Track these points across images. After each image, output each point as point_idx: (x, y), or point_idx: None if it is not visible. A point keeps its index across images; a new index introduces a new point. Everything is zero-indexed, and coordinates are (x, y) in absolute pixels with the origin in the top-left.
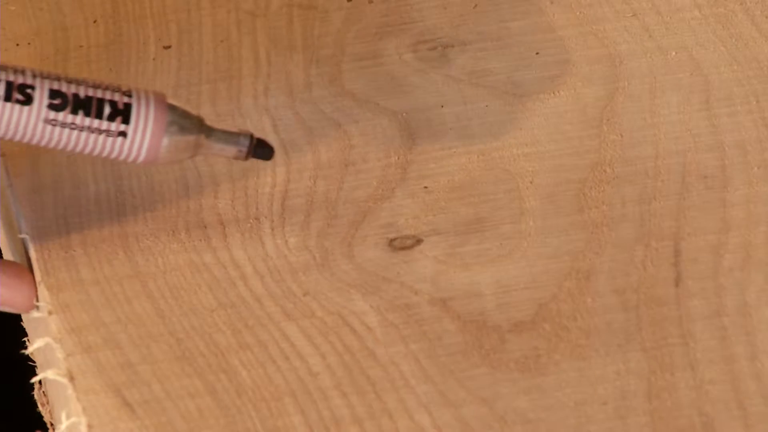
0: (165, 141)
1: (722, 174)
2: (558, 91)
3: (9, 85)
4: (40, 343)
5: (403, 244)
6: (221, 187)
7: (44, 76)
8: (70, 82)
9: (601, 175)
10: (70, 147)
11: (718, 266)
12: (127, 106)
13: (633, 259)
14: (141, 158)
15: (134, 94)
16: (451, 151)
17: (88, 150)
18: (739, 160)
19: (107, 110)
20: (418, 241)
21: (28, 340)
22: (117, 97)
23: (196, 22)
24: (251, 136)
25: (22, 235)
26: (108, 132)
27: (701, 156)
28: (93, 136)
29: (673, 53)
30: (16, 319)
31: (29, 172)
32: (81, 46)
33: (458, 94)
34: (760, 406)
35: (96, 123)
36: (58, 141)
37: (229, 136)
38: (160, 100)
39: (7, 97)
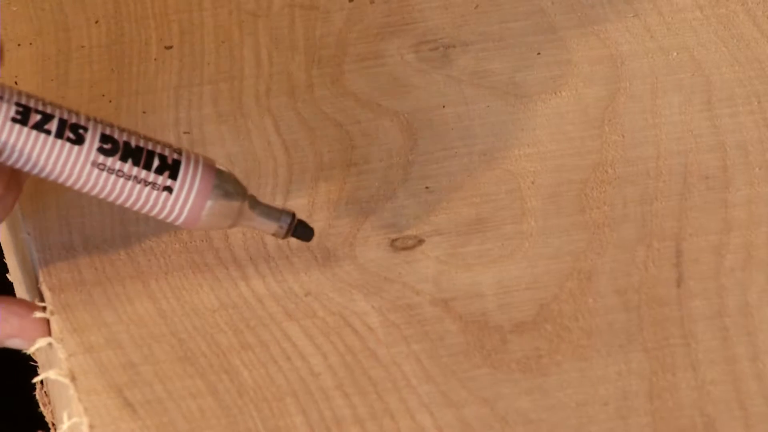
0: (209, 203)
1: (724, 174)
2: (559, 92)
3: (62, 123)
4: (42, 343)
5: (404, 245)
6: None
7: (97, 121)
8: (122, 130)
9: (602, 176)
10: (113, 195)
11: (719, 267)
12: (176, 162)
13: (634, 260)
14: (182, 217)
15: (184, 152)
16: (452, 151)
17: (130, 201)
18: (740, 161)
19: (156, 163)
20: (420, 242)
21: None
22: (167, 152)
23: (198, 23)
24: (293, 216)
25: (24, 235)
26: (154, 185)
27: (703, 156)
28: (138, 187)
29: (675, 54)
30: None
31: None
32: (83, 47)
33: (460, 95)
34: (762, 407)
35: (143, 174)
36: (103, 187)
37: (272, 212)
38: (210, 163)
39: (59, 135)
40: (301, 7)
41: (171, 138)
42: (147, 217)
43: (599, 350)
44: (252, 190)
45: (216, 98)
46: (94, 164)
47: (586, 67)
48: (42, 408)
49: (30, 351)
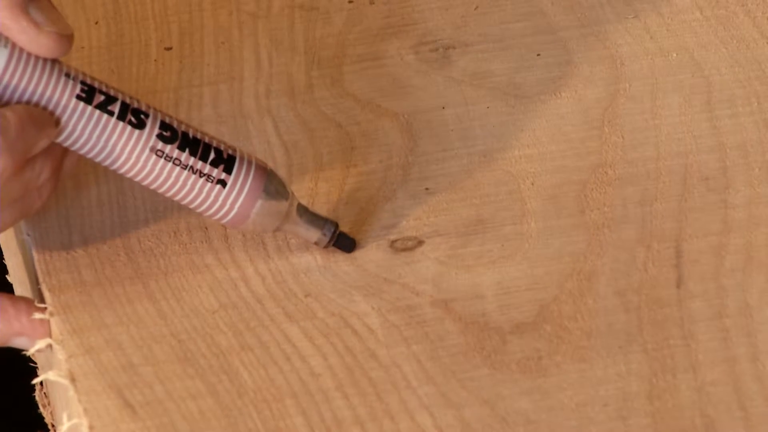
0: (260, 202)
1: (723, 175)
2: (559, 93)
3: (125, 106)
4: (42, 345)
5: (404, 246)
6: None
7: (157, 109)
8: (180, 122)
9: (602, 177)
10: (167, 184)
11: (719, 267)
12: (231, 158)
13: (634, 261)
14: (233, 213)
15: (239, 150)
16: (452, 152)
17: (183, 192)
18: (740, 162)
19: (212, 155)
20: (420, 243)
21: None
22: (222, 147)
23: (198, 24)
24: (337, 225)
25: (24, 236)
26: (209, 177)
27: (702, 157)
28: (193, 177)
29: (675, 55)
30: None
31: None
32: (83, 48)
33: (459, 96)
34: (762, 408)
35: (199, 164)
36: (159, 175)
37: (318, 220)
38: (262, 164)
39: (122, 117)
40: (301, 8)
41: None
42: (147, 219)
43: (599, 351)
44: None
45: (216, 99)
46: (153, 150)
47: (585, 68)
48: (42, 409)
49: (30, 352)
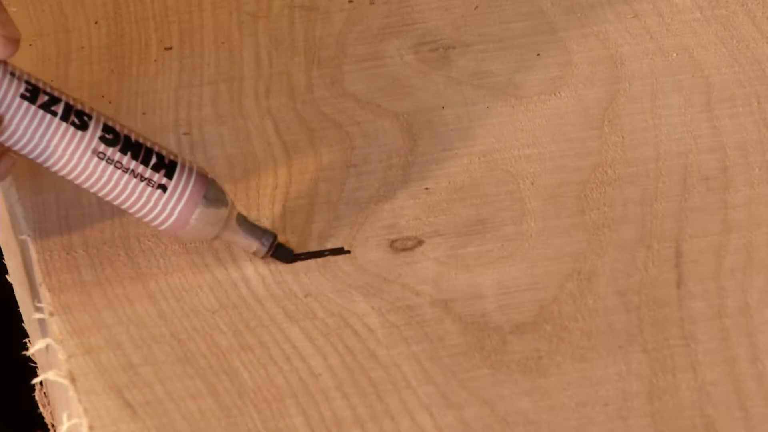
0: (199, 208)
1: (723, 175)
2: (559, 93)
3: (68, 107)
4: (42, 345)
5: (404, 246)
6: (223, 188)
7: (100, 113)
8: (123, 126)
9: (602, 177)
10: (108, 187)
11: (719, 268)
12: (173, 163)
13: (634, 261)
14: (172, 219)
15: (180, 156)
16: (452, 152)
17: (124, 196)
18: (740, 162)
19: (154, 160)
20: (420, 243)
21: (29, 341)
22: (164, 152)
23: (198, 24)
24: (275, 237)
25: (24, 236)
26: (150, 181)
27: (702, 157)
28: (134, 181)
29: (675, 55)
30: (18, 320)
31: (31, 173)
32: (83, 48)
33: (459, 96)
34: (762, 408)
35: (140, 168)
36: (99, 178)
37: (256, 230)
38: (203, 171)
39: (65, 118)
40: (300, 8)
41: (171, 139)
42: None
43: (599, 351)
44: (251, 191)
45: (216, 99)
46: (95, 152)
47: (585, 68)
48: (42, 409)
49: (30, 353)
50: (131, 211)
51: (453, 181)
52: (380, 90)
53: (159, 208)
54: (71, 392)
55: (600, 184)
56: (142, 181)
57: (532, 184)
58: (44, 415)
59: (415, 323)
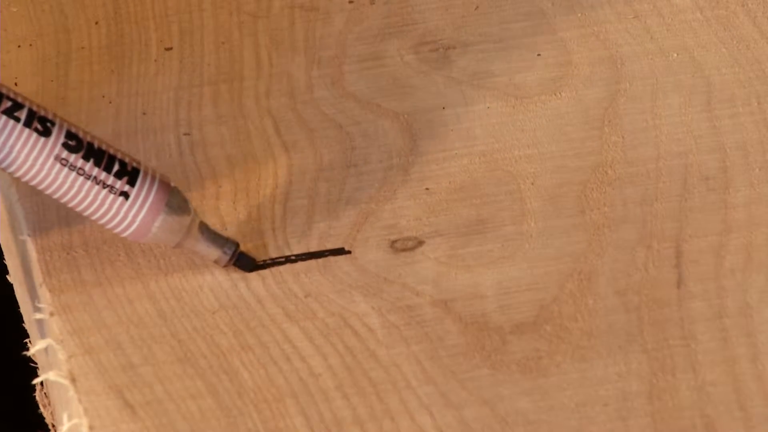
0: (161, 216)
1: (724, 175)
2: (559, 93)
3: (31, 113)
4: (42, 345)
5: (404, 246)
6: (223, 188)
7: (63, 119)
8: (86, 133)
9: (602, 177)
10: (70, 194)
11: (719, 268)
12: (135, 170)
13: (634, 261)
14: (134, 226)
15: (143, 164)
16: (452, 152)
17: (86, 203)
18: (740, 162)
19: (116, 167)
20: (420, 243)
21: (29, 341)
22: (127, 159)
23: (198, 24)
24: (237, 245)
25: (24, 236)
26: (112, 188)
27: (703, 158)
28: (96, 188)
29: (675, 55)
30: (18, 320)
31: None
32: (83, 48)
33: (460, 96)
34: (762, 408)
35: (103, 175)
36: (62, 184)
37: (218, 238)
38: (166, 179)
39: (28, 124)
40: (301, 8)
41: (171, 139)
42: None
43: (599, 351)
44: (252, 192)
45: (216, 99)
46: (57, 158)
47: (586, 69)
48: (42, 409)
49: (30, 353)
50: (94, 218)
51: (453, 181)
52: (380, 90)
53: (121, 215)
54: (71, 392)
55: (600, 184)
56: (104, 188)
57: (533, 184)
58: (45, 415)
59: (416, 323)
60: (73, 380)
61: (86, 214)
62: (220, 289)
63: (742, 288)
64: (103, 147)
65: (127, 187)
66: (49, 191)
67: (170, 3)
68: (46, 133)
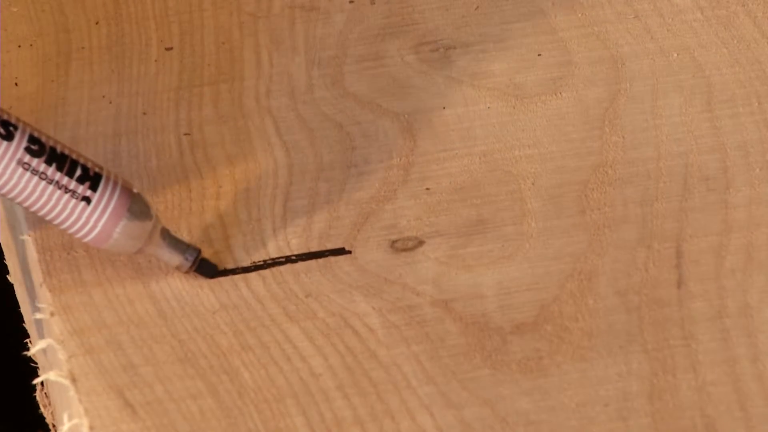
0: (123, 221)
1: (724, 176)
2: (560, 93)
3: None
4: (42, 345)
5: (405, 246)
6: (223, 188)
7: (26, 123)
8: (49, 137)
9: (602, 177)
10: (32, 198)
11: (719, 268)
12: (98, 176)
13: (635, 261)
14: (95, 231)
15: (105, 169)
16: (452, 152)
17: (48, 207)
18: (740, 162)
19: (78, 172)
20: (420, 243)
21: (30, 341)
22: (90, 164)
23: (198, 24)
24: (199, 252)
25: (24, 236)
26: (74, 193)
27: (703, 158)
28: (58, 193)
29: (675, 55)
30: (18, 320)
31: None
32: (83, 48)
33: (460, 96)
34: (762, 408)
35: (65, 180)
36: (24, 189)
37: (180, 244)
38: (128, 185)
39: None
40: (301, 9)
41: (171, 139)
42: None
43: (600, 351)
44: (252, 191)
45: (216, 99)
46: (20, 163)
47: (586, 69)
48: (42, 409)
49: (31, 352)
50: (56, 222)
51: (453, 181)
52: (381, 90)
53: (83, 220)
54: (72, 392)
55: (600, 185)
56: (66, 192)
57: (533, 184)
58: (45, 415)
59: (416, 323)
60: (74, 380)
61: (48, 218)
62: (221, 289)
63: (743, 288)
64: (66, 152)
65: (89, 192)
66: (11, 195)
67: (171, 3)
68: (8, 137)
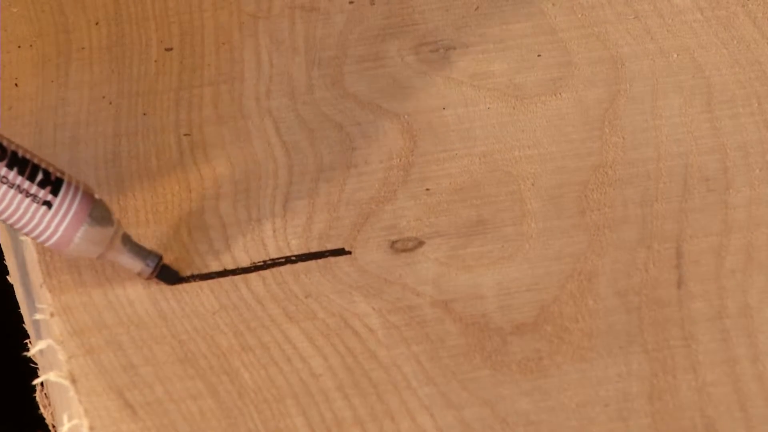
0: (84, 227)
1: (724, 176)
2: (560, 93)
3: None
4: (42, 345)
5: (405, 246)
6: (223, 189)
7: None
8: (10, 141)
9: (602, 177)
10: None
11: (719, 268)
12: (59, 180)
13: (635, 261)
14: (56, 236)
15: (67, 174)
16: (452, 153)
17: (8, 211)
18: (740, 162)
19: (40, 176)
20: (420, 243)
21: (30, 341)
22: (51, 169)
23: (198, 24)
24: (160, 258)
25: (24, 237)
26: (35, 197)
27: (703, 158)
28: (20, 197)
29: (675, 55)
30: (18, 321)
31: None
32: (83, 48)
33: (460, 96)
34: (762, 408)
35: (26, 184)
36: None
37: (141, 251)
38: (89, 191)
39: None
40: (301, 9)
41: (171, 139)
42: (147, 219)
43: (600, 352)
44: (252, 191)
45: (216, 100)
46: None
47: (586, 69)
48: (42, 410)
49: (30, 353)
50: (17, 227)
51: (453, 181)
52: (381, 91)
53: (44, 225)
54: (72, 393)
55: (600, 185)
56: (27, 196)
57: (533, 184)
58: (45, 415)
59: (416, 324)
60: (74, 381)
61: (9, 222)
62: (221, 289)
63: (743, 288)
64: (27, 156)
65: (50, 197)
66: None
67: (171, 3)
68: None
